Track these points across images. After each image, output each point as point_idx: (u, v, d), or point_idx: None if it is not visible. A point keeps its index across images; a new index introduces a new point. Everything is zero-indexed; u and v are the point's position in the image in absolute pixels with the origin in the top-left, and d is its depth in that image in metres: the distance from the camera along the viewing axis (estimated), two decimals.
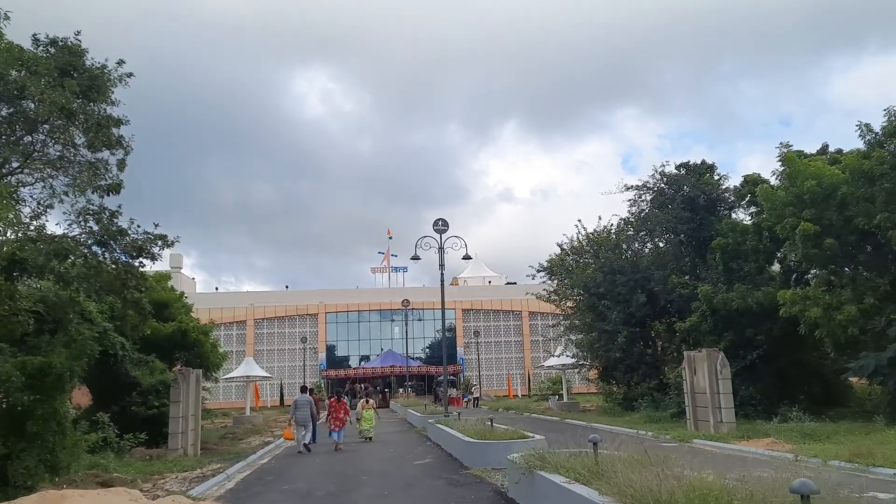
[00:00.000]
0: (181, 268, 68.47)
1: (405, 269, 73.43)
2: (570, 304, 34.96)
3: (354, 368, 62.73)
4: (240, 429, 27.68)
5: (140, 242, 13.69)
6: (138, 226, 13.75)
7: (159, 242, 13.66)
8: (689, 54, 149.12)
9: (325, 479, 12.34)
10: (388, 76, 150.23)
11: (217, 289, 75.86)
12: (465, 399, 49.01)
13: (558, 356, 35.81)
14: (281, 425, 32.66)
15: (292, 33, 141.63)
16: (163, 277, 26.76)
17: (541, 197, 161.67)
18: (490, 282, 75.68)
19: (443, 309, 23.98)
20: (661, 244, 32.61)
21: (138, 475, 13.51)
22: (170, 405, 17.94)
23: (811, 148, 26.39)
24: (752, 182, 26.50)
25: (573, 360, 35.25)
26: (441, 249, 23.65)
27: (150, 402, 19.90)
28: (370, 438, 21.08)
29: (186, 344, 24.10)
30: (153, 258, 14.00)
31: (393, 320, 62.01)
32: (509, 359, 67.79)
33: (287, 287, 73.13)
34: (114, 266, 13.42)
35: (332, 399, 21.86)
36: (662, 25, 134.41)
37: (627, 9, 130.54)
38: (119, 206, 13.59)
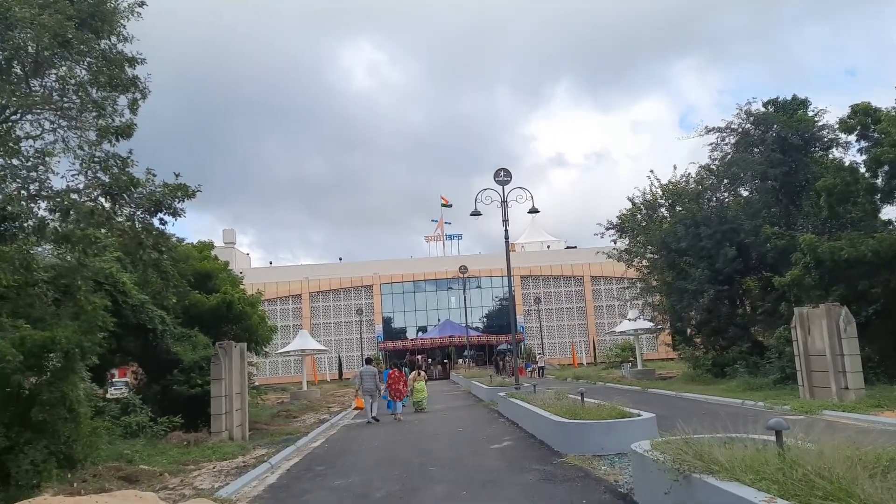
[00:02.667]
0: (234, 243, 67.86)
1: (460, 237, 71.12)
2: (644, 262, 31.93)
3: (412, 340, 61.02)
4: (295, 405, 25.96)
5: (157, 196, 11.56)
6: (154, 174, 11.62)
7: (179, 194, 11.49)
8: None
9: (385, 470, 10.10)
10: (435, 42, 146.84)
11: (271, 263, 75.06)
12: (529, 369, 46.58)
13: (634, 320, 32.89)
14: (339, 400, 31.06)
15: (341, 2, 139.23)
16: (205, 247, 25.01)
17: (595, 160, 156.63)
18: (549, 247, 72.62)
19: (508, 269, 21.43)
20: (744, 192, 29.24)
21: (170, 466, 11.59)
22: (211, 383, 16.04)
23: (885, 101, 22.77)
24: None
25: (650, 324, 32.33)
26: (504, 203, 21.04)
27: (193, 379, 18.11)
28: (423, 409, 21.41)
29: (232, 317, 22.27)
30: (175, 213, 11.85)
31: (450, 289, 59.77)
32: (572, 326, 65.00)
33: (341, 259, 71.73)
34: (127, 222, 11.35)
35: (392, 370, 21.82)
36: None
37: None
38: (130, 152, 11.46)
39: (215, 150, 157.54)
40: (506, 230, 21.10)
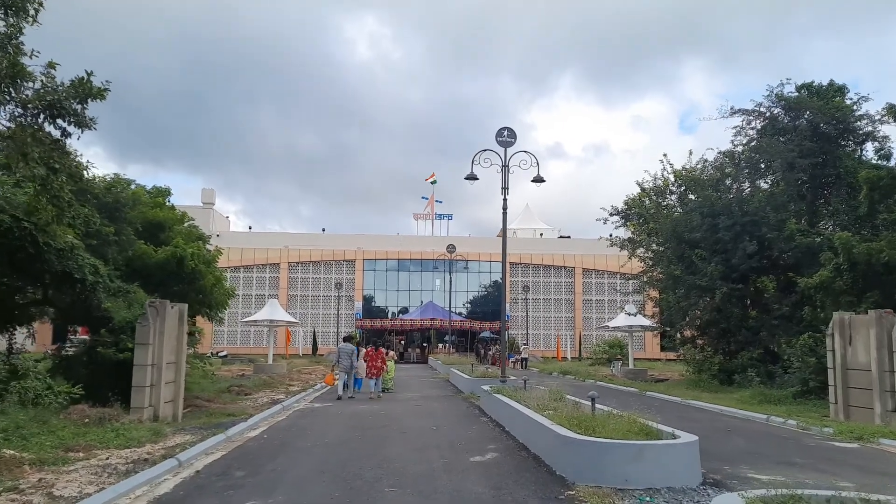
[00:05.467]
0: (213, 203, 64.63)
1: (450, 217, 68.15)
2: (649, 253, 29.26)
3: (392, 319, 58.31)
4: (251, 380, 23.15)
5: (59, 94, 8.68)
6: (55, 66, 8.72)
7: (81, 92, 8.60)
8: (765, 3, 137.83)
9: (323, 486, 7.36)
10: (441, 21, 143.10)
11: (250, 228, 71.82)
12: (512, 359, 43.96)
13: (633, 315, 30.23)
14: (304, 377, 28.34)
15: None
16: (161, 193, 22.02)
17: (593, 153, 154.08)
18: (542, 234, 69.94)
19: (504, 243, 18.68)
20: (764, 184, 26.60)
21: (50, 451, 8.79)
22: (135, 349, 13.25)
23: None
24: None
25: (648, 322, 29.76)
26: (505, 167, 18.24)
27: (123, 342, 15.21)
28: (389, 389, 21.28)
29: (182, 275, 19.39)
30: (81, 123, 8.98)
31: (435, 269, 56.90)
32: (558, 318, 62.54)
33: (324, 230, 68.62)
34: (11, 124, 8.48)
35: (369, 348, 21.38)
36: None
37: None
38: (20, 31, 8.55)
39: (211, 111, 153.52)
40: (504, 200, 18.31)
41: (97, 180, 18.34)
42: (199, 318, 24.96)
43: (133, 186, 21.63)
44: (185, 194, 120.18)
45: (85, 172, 18.82)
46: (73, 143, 9.60)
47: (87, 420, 10.99)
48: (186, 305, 15.30)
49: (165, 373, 13.66)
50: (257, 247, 61.20)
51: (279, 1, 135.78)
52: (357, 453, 9.51)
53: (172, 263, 19.08)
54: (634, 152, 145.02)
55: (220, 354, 49.71)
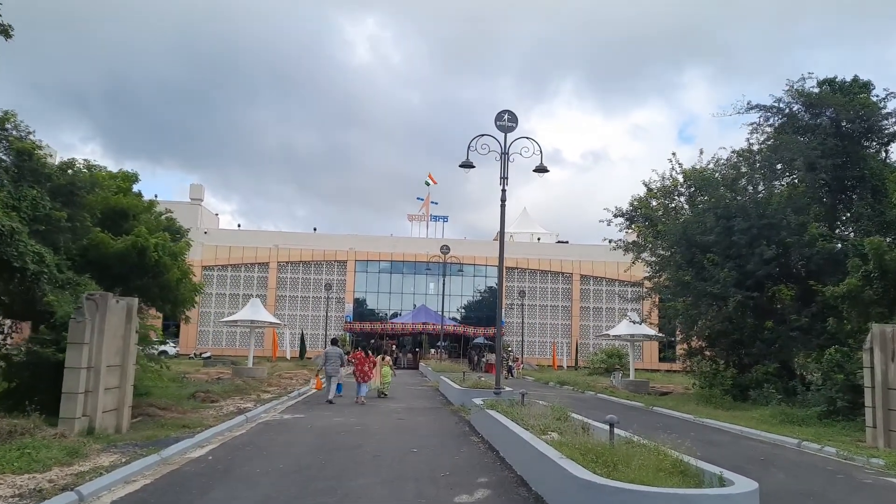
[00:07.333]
0: (202, 199, 62.60)
1: (445, 220, 66.21)
2: (654, 258, 27.40)
3: (382, 323, 56.35)
4: (220, 385, 21.20)
5: None
6: None
7: None
8: (770, 12, 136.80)
9: None
10: (443, 24, 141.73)
11: (239, 226, 69.75)
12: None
13: (638, 323, 28.35)
14: (284, 382, 26.47)
15: None
16: (127, 178, 20.03)
17: (592, 160, 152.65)
18: (539, 239, 68.10)
19: (501, 239, 16.82)
20: (780, 185, 24.79)
21: None
22: (67, 349, 11.37)
23: None
24: None
25: (652, 331, 27.92)
26: (505, 155, 16.40)
27: (64, 340, 13.37)
28: (385, 394, 21.21)
29: (144, 267, 17.37)
30: None
31: (428, 271, 54.86)
32: (554, 325, 60.66)
33: (315, 230, 66.68)
34: None
35: (357, 352, 21.34)
36: None
37: None
38: None
39: (210, 110, 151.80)
40: (503, 191, 16.45)
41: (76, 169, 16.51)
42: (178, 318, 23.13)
43: (103, 172, 19.76)
44: (180, 192, 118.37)
45: (39, 152, 17.09)
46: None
47: None
48: (136, 300, 13.40)
49: (106, 377, 11.75)
50: (247, 245, 59.33)
51: (280, 2, 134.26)
52: (314, 486, 7.62)
53: (133, 254, 17.07)
54: (633, 160, 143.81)
55: (204, 356, 47.77)
